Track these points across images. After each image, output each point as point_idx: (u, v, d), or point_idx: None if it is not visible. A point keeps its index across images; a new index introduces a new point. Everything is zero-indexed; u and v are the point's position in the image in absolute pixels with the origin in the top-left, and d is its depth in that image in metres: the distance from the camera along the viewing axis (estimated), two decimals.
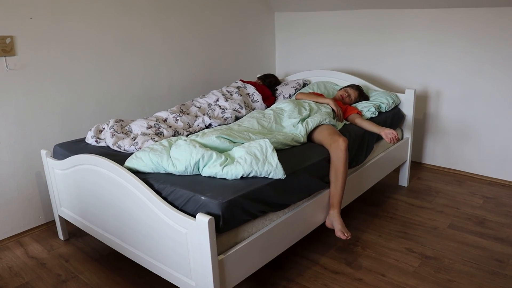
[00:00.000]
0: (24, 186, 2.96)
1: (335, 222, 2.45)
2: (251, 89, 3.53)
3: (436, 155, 3.94)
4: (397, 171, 3.70)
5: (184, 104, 3.21)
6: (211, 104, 3.26)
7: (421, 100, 3.88)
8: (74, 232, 3.00)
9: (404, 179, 3.58)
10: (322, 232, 2.84)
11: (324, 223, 2.57)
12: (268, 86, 3.79)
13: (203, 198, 1.87)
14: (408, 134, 3.45)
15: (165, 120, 2.92)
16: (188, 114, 3.09)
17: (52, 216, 3.14)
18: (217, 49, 4.15)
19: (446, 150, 3.87)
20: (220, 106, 3.23)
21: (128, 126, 2.81)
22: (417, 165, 4.04)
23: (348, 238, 2.40)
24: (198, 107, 3.21)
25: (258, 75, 3.99)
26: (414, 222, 2.99)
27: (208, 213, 1.83)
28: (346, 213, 3.11)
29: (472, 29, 3.45)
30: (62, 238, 2.92)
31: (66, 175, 2.58)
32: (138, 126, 2.76)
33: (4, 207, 2.89)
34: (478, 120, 3.61)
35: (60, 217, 2.84)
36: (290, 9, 4.52)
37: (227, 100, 3.26)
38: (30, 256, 2.74)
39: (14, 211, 2.94)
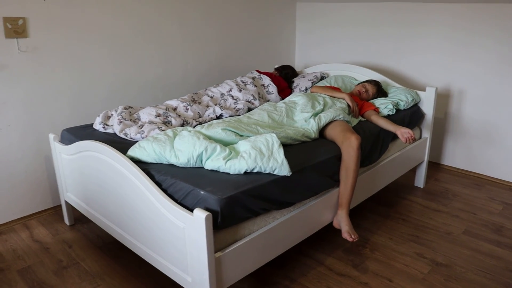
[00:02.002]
0: (32, 169, 2.95)
1: (343, 223, 2.36)
2: (266, 80, 3.44)
3: (456, 156, 3.79)
4: (413, 171, 3.57)
5: (196, 93, 3.14)
6: (224, 94, 3.18)
7: (443, 99, 3.72)
8: (80, 218, 2.98)
9: (420, 180, 3.46)
10: (330, 231, 2.75)
11: (331, 223, 2.49)
12: (285, 78, 3.69)
13: (202, 192, 1.80)
14: (426, 134, 3.31)
15: (175, 109, 2.86)
16: (199, 103, 3.03)
17: (59, 200, 3.13)
18: (235, 38, 4.06)
19: (466, 152, 3.72)
20: (233, 97, 3.15)
21: (136, 113, 2.76)
22: (435, 166, 3.89)
23: (355, 241, 2.31)
24: (211, 97, 3.14)
25: (275, 66, 3.90)
26: (427, 226, 2.87)
27: (207, 209, 1.77)
28: (357, 213, 3.02)
29: (499, 28, 3.28)
30: (68, 223, 2.90)
31: (72, 161, 2.55)
32: (146, 114, 2.70)
33: (12, 189, 2.88)
34: (501, 122, 3.45)
35: (66, 202, 2.83)
36: None
37: (240, 91, 3.19)
38: (35, 239, 2.73)
39: (22, 193, 2.93)
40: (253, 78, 3.42)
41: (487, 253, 2.58)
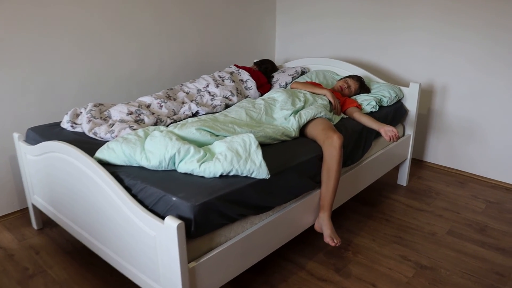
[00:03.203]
0: None
1: (325, 227, 2.26)
2: (245, 75, 3.31)
3: (439, 153, 3.72)
4: (396, 168, 3.49)
5: (172, 89, 3.00)
6: (200, 90, 3.05)
7: (426, 95, 3.65)
8: (49, 221, 2.82)
9: (403, 178, 3.38)
10: (311, 233, 2.64)
11: (313, 225, 2.38)
12: (264, 73, 3.56)
13: (174, 198, 1.67)
14: (410, 131, 3.23)
15: (148, 106, 2.72)
16: (174, 99, 2.89)
17: (27, 203, 2.96)
18: (213, 30, 3.91)
19: (449, 149, 3.65)
20: (209, 93, 3.01)
21: (107, 111, 2.61)
22: (418, 163, 3.82)
23: (337, 245, 2.21)
24: (187, 93, 3.00)
25: (255, 60, 3.77)
26: (411, 226, 2.79)
27: (179, 216, 1.64)
28: (339, 213, 2.92)
29: (484, 21, 3.21)
30: (35, 227, 2.74)
31: (38, 162, 2.39)
32: (117, 112, 2.55)
33: None
34: (485, 119, 3.39)
35: (33, 205, 2.67)
36: None
37: (217, 86, 3.05)
38: None
39: None
40: (231, 73, 3.29)
41: (471, 254, 2.51)
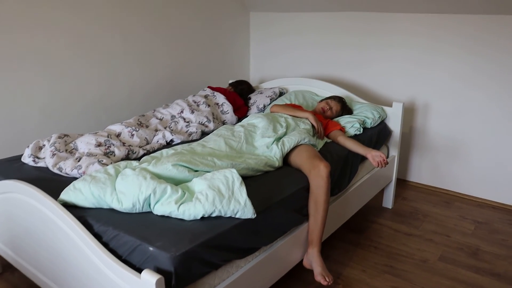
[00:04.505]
0: None
1: (315, 263, 2.10)
2: (220, 98, 3.14)
3: (423, 172, 3.63)
4: (381, 190, 3.36)
5: (144, 115, 2.81)
6: (174, 116, 2.87)
7: (408, 113, 3.55)
8: (10, 264, 2.56)
9: (388, 200, 3.25)
10: (299, 266, 2.47)
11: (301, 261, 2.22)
12: (240, 94, 3.40)
13: (151, 248, 1.48)
14: (394, 152, 3.12)
15: (118, 135, 2.51)
16: (147, 127, 2.70)
17: None
18: (184, 51, 3.73)
19: (433, 168, 3.56)
20: (184, 119, 2.84)
21: (73, 142, 2.40)
22: (401, 183, 3.71)
23: (329, 284, 2.05)
24: (160, 119, 2.82)
25: (230, 81, 3.61)
26: (400, 253, 2.66)
27: (158, 269, 1.45)
28: (325, 242, 2.75)
29: (465, 37, 3.14)
30: None
31: None
32: (85, 144, 2.34)
33: None
34: (469, 136, 3.31)
35: None
36: (267, 9, 4.14)
37: (193, 112, 2.88)
38: None
39: None
40: (206, 97, 3.12)
41: (467, 282, 2.39)
